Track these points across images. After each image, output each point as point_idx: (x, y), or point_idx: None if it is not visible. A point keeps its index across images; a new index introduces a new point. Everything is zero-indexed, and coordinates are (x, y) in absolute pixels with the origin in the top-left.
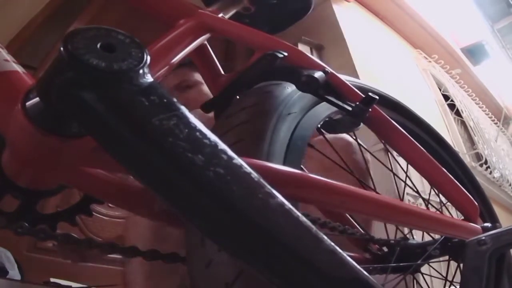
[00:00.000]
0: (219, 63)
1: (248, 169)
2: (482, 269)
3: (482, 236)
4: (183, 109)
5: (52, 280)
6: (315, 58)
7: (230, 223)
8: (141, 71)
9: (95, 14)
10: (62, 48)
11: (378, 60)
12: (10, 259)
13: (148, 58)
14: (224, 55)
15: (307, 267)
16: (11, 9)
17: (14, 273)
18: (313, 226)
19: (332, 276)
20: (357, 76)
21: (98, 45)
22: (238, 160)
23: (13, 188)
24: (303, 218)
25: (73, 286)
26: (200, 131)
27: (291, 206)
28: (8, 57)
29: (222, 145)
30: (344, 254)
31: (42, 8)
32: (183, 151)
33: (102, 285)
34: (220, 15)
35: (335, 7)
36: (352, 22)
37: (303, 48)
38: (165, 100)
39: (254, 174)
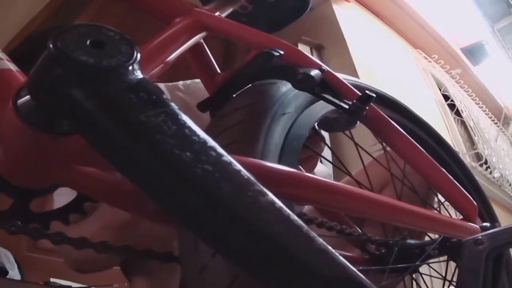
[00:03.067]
0: (219, 63)
1: (238, 166)
2: (478, 269)
3: (479, 235)
4: (173, 105)
5: (52, 280)
6: (311, 56)
7: (219, 221)
8: (130, 67)
9: (94, 14)
10: (51, 45)
11: (378, 60)
12: (10, 259)
13: (138, 55)
14: (224, 55)
15: (297, 266)
16: (11, 9)
17: (14, 273)
18: (304, 225)
19: (324, 276)
20: (357, 76)
21: (88, 42)
22: (228, 157)
23: (6, 186)
24: (294, 217)
25: (73, 286)
26: (189, 128)
27: (281, 204)
28: (2, 55)
29: (212, 142)
30: (336, 253)
31: (41, 8)
32: (170, 147)
33: (102, 285)
34: (217, 13)
35: (335, 7)
36: (352, 22)
37: (303, 48)
38: (154, 97)
39: (244, 172)
